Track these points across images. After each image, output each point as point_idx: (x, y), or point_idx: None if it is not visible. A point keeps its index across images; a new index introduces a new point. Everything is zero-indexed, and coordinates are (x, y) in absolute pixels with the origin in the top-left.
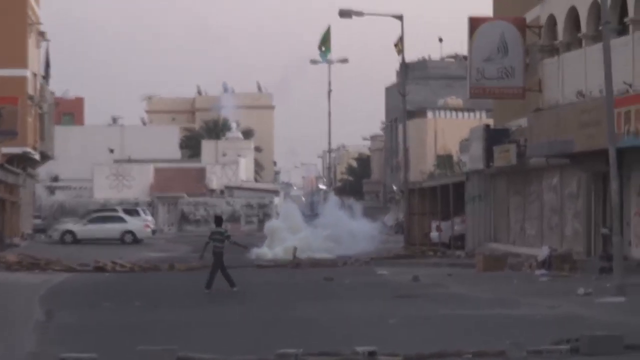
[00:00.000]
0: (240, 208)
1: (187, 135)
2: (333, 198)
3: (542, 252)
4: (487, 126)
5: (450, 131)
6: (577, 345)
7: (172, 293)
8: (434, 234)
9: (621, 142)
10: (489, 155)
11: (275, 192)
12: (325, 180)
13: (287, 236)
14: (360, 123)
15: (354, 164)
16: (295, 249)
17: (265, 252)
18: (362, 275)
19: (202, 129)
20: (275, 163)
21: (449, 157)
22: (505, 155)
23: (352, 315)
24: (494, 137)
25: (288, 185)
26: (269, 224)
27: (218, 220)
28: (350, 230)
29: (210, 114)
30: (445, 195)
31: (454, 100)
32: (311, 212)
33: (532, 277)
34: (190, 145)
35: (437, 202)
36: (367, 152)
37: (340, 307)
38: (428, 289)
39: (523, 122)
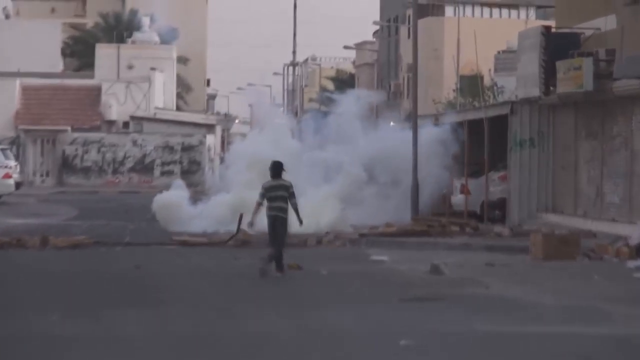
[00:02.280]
0: (153, 150)
1: (73, 35)
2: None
3: (636, 232)
4: (547, 29)
5: (482, 38)
6: None
7: (43, 286)
8: (457, 198)
9: None
10: (548, 76)
11: (209, 127)
12: (285, 109)
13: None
14: (342, 26)
15: (330, 85)
16: (240, 215)
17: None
18: (348, 261)
19: (97, 27)
20: (208, 82)
21: (478, 79)
22: (576, 76)
23: (336, 332)
24: (557, 46)
25: (228, 116)
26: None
27: (276, 168)
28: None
29: (110, 3)
30: (475, 138)
31: None
32: None
33: (622, 270)
34: (78, 51)
35: (462, 148)
36: (350, 68)
37: (316, 317)
38: (457, 288)
39: (606, 23)
